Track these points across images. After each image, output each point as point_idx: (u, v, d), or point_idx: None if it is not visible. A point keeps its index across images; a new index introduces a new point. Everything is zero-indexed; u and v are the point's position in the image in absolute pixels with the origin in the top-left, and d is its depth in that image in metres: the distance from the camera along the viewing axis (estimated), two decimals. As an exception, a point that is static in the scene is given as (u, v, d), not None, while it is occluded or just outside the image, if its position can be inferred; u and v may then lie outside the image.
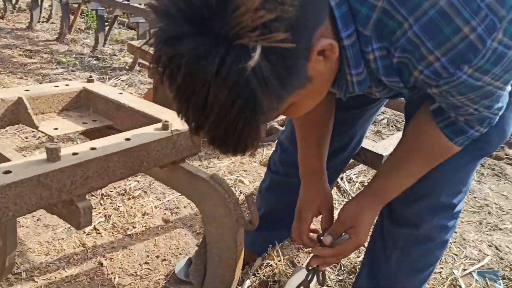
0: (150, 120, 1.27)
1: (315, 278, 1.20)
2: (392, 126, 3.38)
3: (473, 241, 2.12)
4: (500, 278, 1.87)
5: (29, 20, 5.08)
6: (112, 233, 1.87)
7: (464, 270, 1.89)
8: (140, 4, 3.84)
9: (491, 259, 1.99)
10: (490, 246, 2.10)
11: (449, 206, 1.14)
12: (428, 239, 1.19)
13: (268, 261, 1.63)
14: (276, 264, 1.63)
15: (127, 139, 1.09)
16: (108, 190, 2.15)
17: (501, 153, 3.22)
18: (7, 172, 0.87)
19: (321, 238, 1.11)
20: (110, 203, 2.06)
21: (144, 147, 1.10)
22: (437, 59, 0.74)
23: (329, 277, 1.71)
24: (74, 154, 0.97)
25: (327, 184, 1.25)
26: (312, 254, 1.16)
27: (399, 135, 1.60)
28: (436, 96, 0.87)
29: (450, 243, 2.06)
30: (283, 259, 1.68)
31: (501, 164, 3.02)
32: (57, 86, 1.43)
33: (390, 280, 1.30)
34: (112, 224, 1.92)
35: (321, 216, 1.23)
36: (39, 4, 4.90)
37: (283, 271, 1.62)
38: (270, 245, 1.63)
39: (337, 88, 0.94)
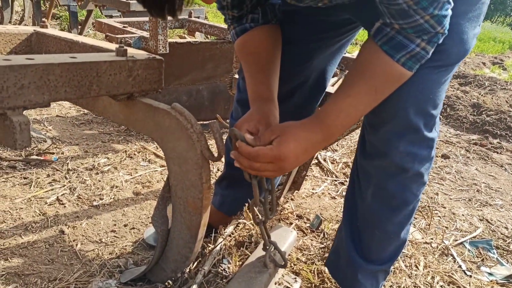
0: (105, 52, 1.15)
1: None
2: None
3: (463, 215, 2.02)
4: (493, 247, 1.77)
5: (-1, 20, 4.90)
6: (77, 204, 1.71)
7: (456, 240, 1.78)
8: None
9: (483, 232, 1.89)
10: (481, 220, 2.00)
11: (416, 128, 1.02)
12: (401, 170, 1.06)
13: (245, 221, 1.48)
14: (253, 225, 1.48)
15: (73, 57, 0.97)
16: (75, 165, 2.00)
17: (485, 142, 3.18)
18: None
19: (245, 135, 0.99)
20: (76, 177, 1.90)
21: (92, 65, 0.97)
22: None
23: (311, 244, 1.58)
24: (5, 60, 0.85)
25: (276, 113, 1.11)
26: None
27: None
28: None
29: (439, 217, 1.96)
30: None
31: (486, 151, 2.96)
32: (5, 27, 1.32)
33: (368, 222, 1.17)
34: (77, 196, 1.76)
35: None
36: (9, 3, 4.62)
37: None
38: (246, 204, 1.49)
39: None
